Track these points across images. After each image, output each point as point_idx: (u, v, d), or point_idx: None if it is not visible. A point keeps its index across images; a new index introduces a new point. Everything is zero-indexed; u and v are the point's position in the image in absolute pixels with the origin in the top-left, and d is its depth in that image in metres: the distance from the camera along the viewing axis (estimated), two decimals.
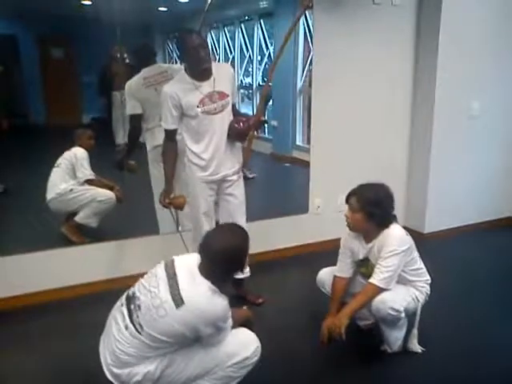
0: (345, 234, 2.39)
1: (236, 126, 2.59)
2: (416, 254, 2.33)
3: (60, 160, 3.20)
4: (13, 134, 3.27)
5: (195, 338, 1.71)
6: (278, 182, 4.06)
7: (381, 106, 3.76)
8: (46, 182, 3.13)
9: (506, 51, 3.90)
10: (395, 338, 2.32)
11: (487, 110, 3.92)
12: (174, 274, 1.69)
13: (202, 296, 1.65)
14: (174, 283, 1.66)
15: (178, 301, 1.62)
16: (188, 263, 1.74)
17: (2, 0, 2.96)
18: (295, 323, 2.70)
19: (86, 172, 3.22)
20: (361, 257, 2.33)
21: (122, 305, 1.79)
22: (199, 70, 2.49)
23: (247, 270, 2.83)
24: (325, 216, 3.69)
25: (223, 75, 2.59)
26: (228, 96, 2.58)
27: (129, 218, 3.23)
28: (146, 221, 3.23)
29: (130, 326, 1.70)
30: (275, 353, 2.32)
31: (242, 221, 2.72)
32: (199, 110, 2.50)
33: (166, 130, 2.60)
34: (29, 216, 3.21)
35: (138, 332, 1.68)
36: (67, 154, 3.21)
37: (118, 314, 1.77)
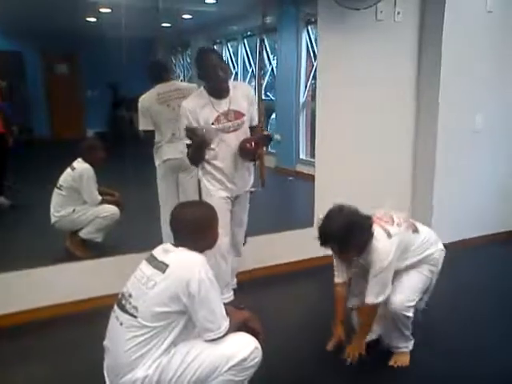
0: None
1: (248, 146, 2.58)
2: (410, 235, 2.32)
3: (62, 181, 3.11)
4: (18, 149, 3.28)
5: (189, 304, 1.68)
6: (282, 195, 4.06)
7: (385, 120, 3.76)
8: (51, 196, 3.10)
9: (508, 65, 3.93)
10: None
11: (491, 124, 3.94)
12: (152, 256, 1.81)
13: (181, 254, 1.77)
14: (153, 260, 1.78)
15: (162, 266, 1.72)
16: (162, 246, 1.85)
17: (9, 18, 3.00)
18: (299, 338, 2.66)
19: (94, 197, 3.17)
20: (353, 268, 2.36)
21: (114, 311, 1.81)
22: (216, 89, 2.53)
23: (230, 294, 2.80)
24: None
25: (240, 95, 2.61)
26: (244, 115, 2.60)
27: (134, 233, 3.20)
28: (152, 236, 3.21)
29: (125, 318, 1.72)
30: (279, 369, 2.30)
31: (242, 231, 2.87)
32: (214, 127, 2.51)
33: (188, 145, 2.55)
34: (35, 231, 3.19)
35: (134, 316, 1.70)
36: (69, 175, 3.11)
37: (113, 321, 1.79)
